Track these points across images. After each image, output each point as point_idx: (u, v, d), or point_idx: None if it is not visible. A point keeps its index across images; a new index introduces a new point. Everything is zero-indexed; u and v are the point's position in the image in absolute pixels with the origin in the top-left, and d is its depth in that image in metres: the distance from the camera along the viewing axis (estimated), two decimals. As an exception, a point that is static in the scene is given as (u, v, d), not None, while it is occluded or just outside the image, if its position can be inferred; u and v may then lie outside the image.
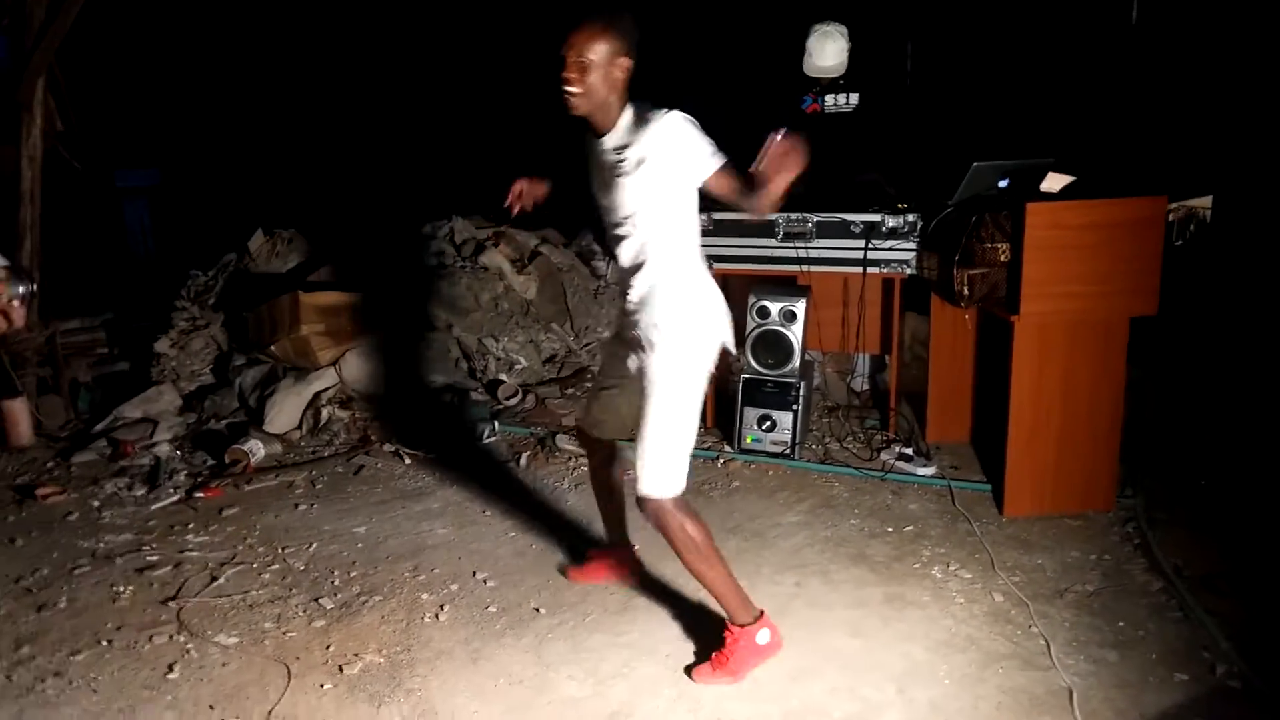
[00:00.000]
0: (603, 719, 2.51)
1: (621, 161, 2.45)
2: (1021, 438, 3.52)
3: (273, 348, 4.98)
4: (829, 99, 4.68)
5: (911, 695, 2.55)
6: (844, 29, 4.51)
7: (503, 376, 5.26)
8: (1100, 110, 5.81)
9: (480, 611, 3.08)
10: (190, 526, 3.78)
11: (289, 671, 2.76)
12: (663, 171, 2.42)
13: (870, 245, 4.13)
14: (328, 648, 2.89)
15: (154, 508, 3.96)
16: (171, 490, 4.08)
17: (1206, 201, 4.28)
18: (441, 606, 3.11)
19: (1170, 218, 4.20)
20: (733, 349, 2.66)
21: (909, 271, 4.15)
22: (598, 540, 3.43)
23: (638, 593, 3.14)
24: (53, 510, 3.97)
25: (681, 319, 2.53)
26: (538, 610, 3.07)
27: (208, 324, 5.39)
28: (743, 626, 2.61)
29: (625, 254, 2.58)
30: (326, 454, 4.52)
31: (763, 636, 2.63)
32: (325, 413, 4.71)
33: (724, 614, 2.65)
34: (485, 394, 5.11)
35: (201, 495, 4.03)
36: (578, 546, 3.48)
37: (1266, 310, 4.79)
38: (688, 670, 2.65)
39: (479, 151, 8.41)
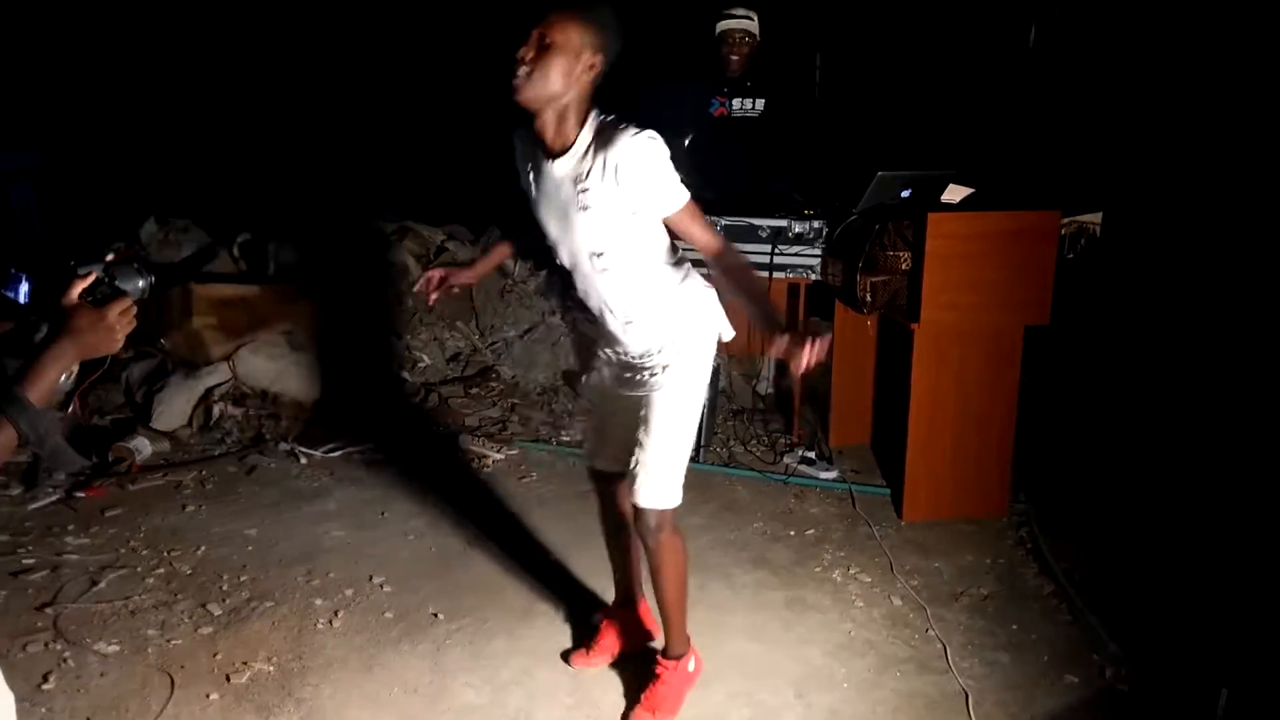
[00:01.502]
0: (501, 727, 2.47)
1: (582, 193, 2.10)
2: (919, 443, 3.59)
3: (163, 341, 4.77)
4: (736, 103, 4.71)
5: (810, 700, 2.58)
6: (754, 13, 4.56)
7: (405, 374, 5.15)
8: (999, 126, 6.00)
9: (376, 618, 3.00)
10: (70, 528, 3.58)
11: (173, 681, 2.64)
12: (632, 208, 2.11)
13: (777, 250, 4.17)
14: (215, 656, 2.78)
15: (31, 508, 3.74)
16: (50, 489, 3.86)
17: (1097, 217, 4.46)
18: (335, 613, 3.02)
19: (1062, 232, 4.36)
20: (729, 335, 2.41)
21: (814, 277, 4.20)
22: (504, 546, 3.38)
23: (539, 598, 3.10)
24: (-84, 511, 3.73)
25: (682, 333, 2.31)
26: (436, 616, 3.00)
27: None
28: (676, 660, 2.50)
29: (598, 288, 2.27)
30: (218, 453, 4.35)
31: (691, 664, 2.54)
32: (217, 409, 4.53)
33: (657, 644, 2.57)
34: (387, 395, 4.99)
35: (83, 495, 3.82)
36: (486, 551, 3.42)
37: (1152, 321, 5.02)
38: (624, 717, 2.51)
39: (388, 145, 8.25)
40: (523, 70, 2.02)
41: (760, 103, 4.67)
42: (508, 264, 5.95)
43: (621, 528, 2.65)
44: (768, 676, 2.66)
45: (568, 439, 4.51)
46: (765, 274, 4.19)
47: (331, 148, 8.05)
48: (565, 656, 2.78)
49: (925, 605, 3.02)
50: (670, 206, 2.12)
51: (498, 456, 4.27)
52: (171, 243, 5.58)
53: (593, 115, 2.11)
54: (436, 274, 2.55)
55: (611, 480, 2.59)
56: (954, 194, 3.68)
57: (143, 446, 4.16)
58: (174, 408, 4.48)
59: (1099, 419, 4.57)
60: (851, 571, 3.27)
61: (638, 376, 2.35)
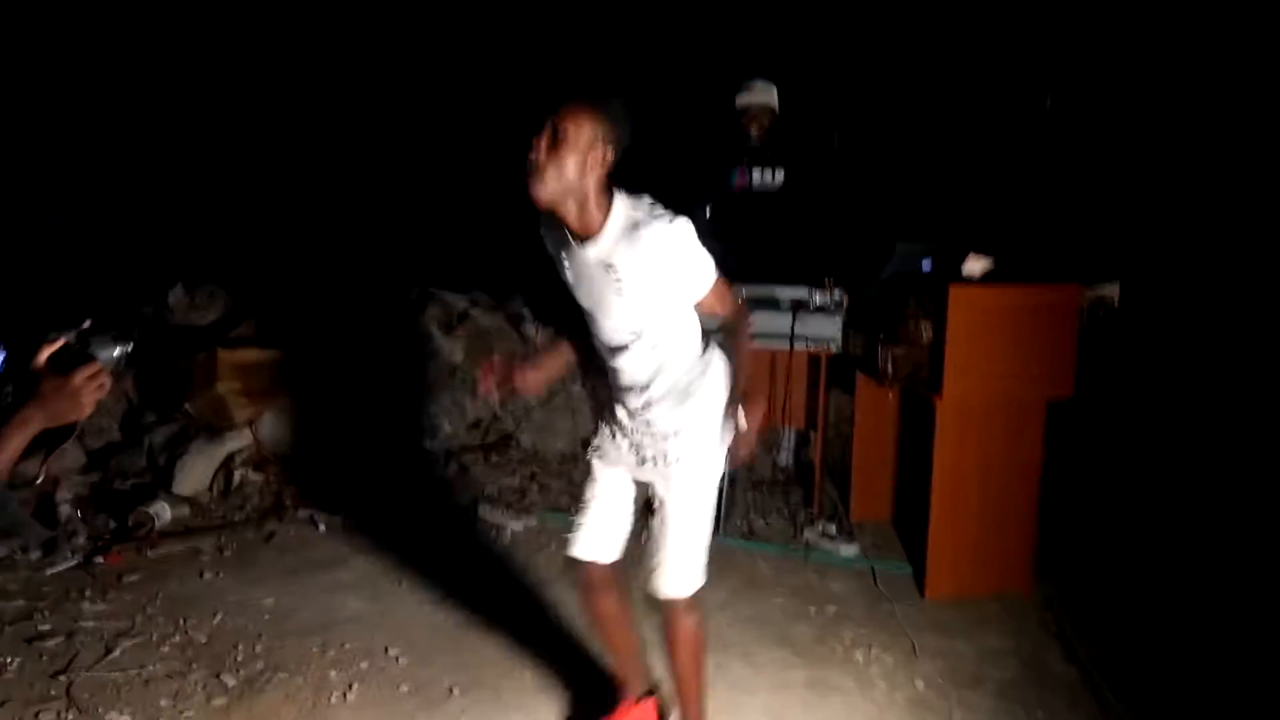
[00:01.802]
0: (515, 810, 2.42)
1: (616, 281, 2.12)
2: (942, 519, 3.55)
3: (187, 405, 4.81)
4: (756, 174, 4.76)
5: (832, 785, 2.51)
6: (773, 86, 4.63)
7: (426, 443, 5.16)
8: (1017, 194, 6.04)
9: (391, 691, 2.96)
10: (87, 594, 3.58)
11: (183, 755, 2.62)
12: (667, 283, 2.13)
13: (798, 321, 4.17)
14: (227, 729, 2.75)
15: (49, 573, 3.75)
16: (69, 554, 3.87)
17: (1115, 289, 4.45)
18: (350, 685, 2.99)
19: (1081, 304, 4.36)
20: (744, 424, 2.38)
21: (835, 349, 4.20)
22: (524, 623, 3.34)
23: (556, 674, 3.05)
24: (-63, 573, 3.74)
25: (703, 417, 2.32)
26: (451, 691, 2.96)
27: (119, 378, 5.18)
28: None
29: (631, 365, 2.27)
30: (237, 518, 4.35)
31: None
32: (238, 475, 4.55)
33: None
34: (408, 461, 5.00)
35: (101, 560, 3.83)
36: (503, 625, 3.39)
37: (1173, 392, 4.97)
38: None
39: (411, 213, 8.38)
40: (535, 166, 2.03)
41: (780, 173, 4.72)
42: (528, 330, 6.00)
43: (612, 623, 2.58)
44: (789, 760, 2.60)
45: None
46: (786, 345, 4.18)
47: (356, 216, 8.19)
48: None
49: (949, 689, 2.95)
50: (701, 288, 2.18)
51: (516, 527, 4.25)
52: (198, 307, 5.66)
53: (618, 198, 2.11)
54: (499, 366, 2.41)
55: (592, 576, 2.50)
56: (974, 264, 3.68)
57: (163, 512, 4.17)
58: (195, 472, 4.50)
59: (1124, 494, 4.50)
60: (874, 651, 3.20)
61: (654, 457, 2.34)
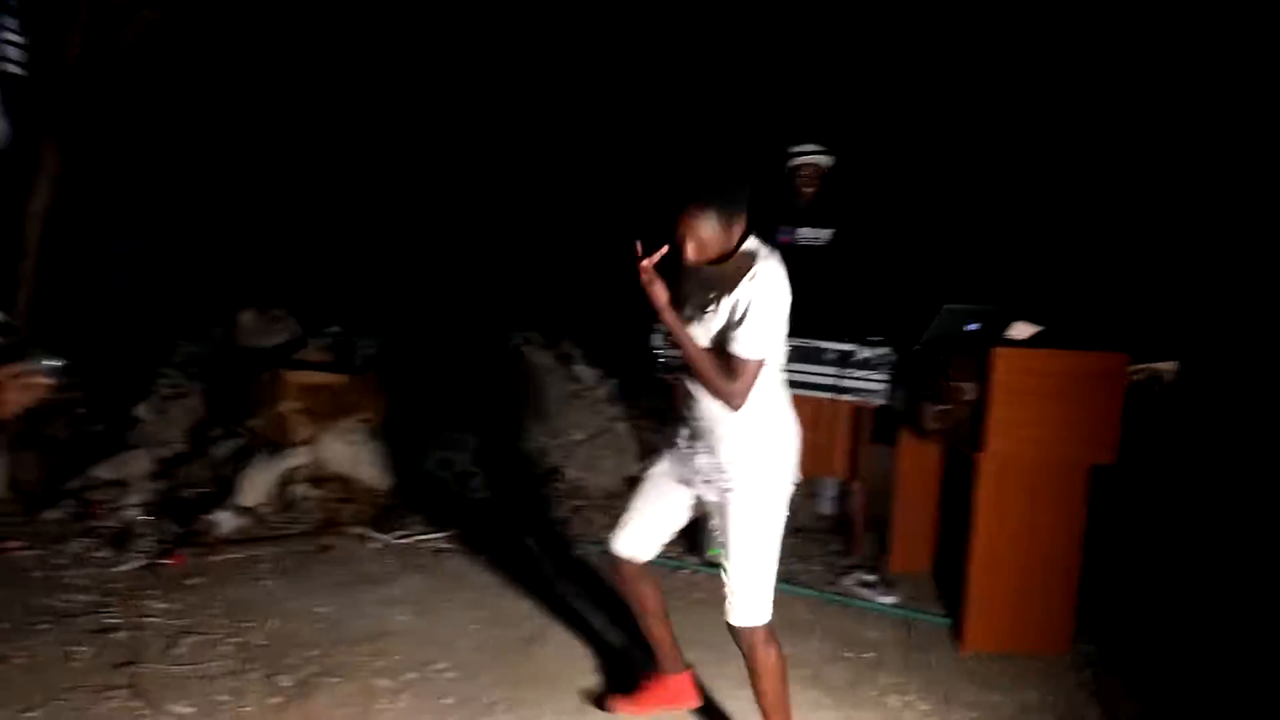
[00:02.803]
0: (555, 820, 2.52)
1: (714, 298, 2.48)
2: (982, 574, 3.61)
3: (251, 422, 5.02)
4: (804, 232, 4.89)
5: (861, 824, 2.58)
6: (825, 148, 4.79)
7: (475, 470, 5.30)
8: (1071, 266, 6.11)
9: (436, 702, 3.08)
10: (153, 592, 3.76)
11: (241, 747, 2.75)
12: (738, 322, 2.43)
13: (843, 374, 4.28)
14: (281, 726, 2.88)
15: (117, 570, 3.94)
16: (137, 555, 4.06)
17: (1170, 365, 4.51)
18: (398, 694, 3.11)
19: (1135, 378, 4.42)
20: (796, 476, 2.62)
21: (879, 402, 4.29)
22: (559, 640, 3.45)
23: (594, 694, 3.14)
24: (15, 564, 3.94)
25: (767, 451, 2.53)
26: (494, 705, 3.07)
27: (189, 393, 5.42)
28: None
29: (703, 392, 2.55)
30: (294, 531, 4.52)
31: None
32: (297, 490, 4.73)
33: None
34: (458, 488, 5.16)
35: (167, 562, 4.01)
36: (546, 646, 3.50)
37: (1224, 467, 4.99)
38: None
39: (476, 249, 8.64)
40: (688, 259, 2.46)
41: (828, 232, 4.85)
42: (578, 370, 6.15)
43: (649, 610, 2.90)
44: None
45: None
46: (830, 395, 4.27)
47: (420, 253, 8.46)
48: (600, 702, 3.04)
49: (982, 738, 3.00)
50: (746, 349, 2.41)
51: (560, 555, 4.37)
52: (266, 330, 5.89)
53: (751, 240, 2.50)
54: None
55: (628, 570, 2.84)
56: (1021, 330, 3.78)
57: (225, 520, 4.36)
58: (257, 485, 4.69)
59: (1167, 561, 4.51)
60: (908, 698, 3.26)
61: (717, 484, 2.55)
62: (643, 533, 2.79)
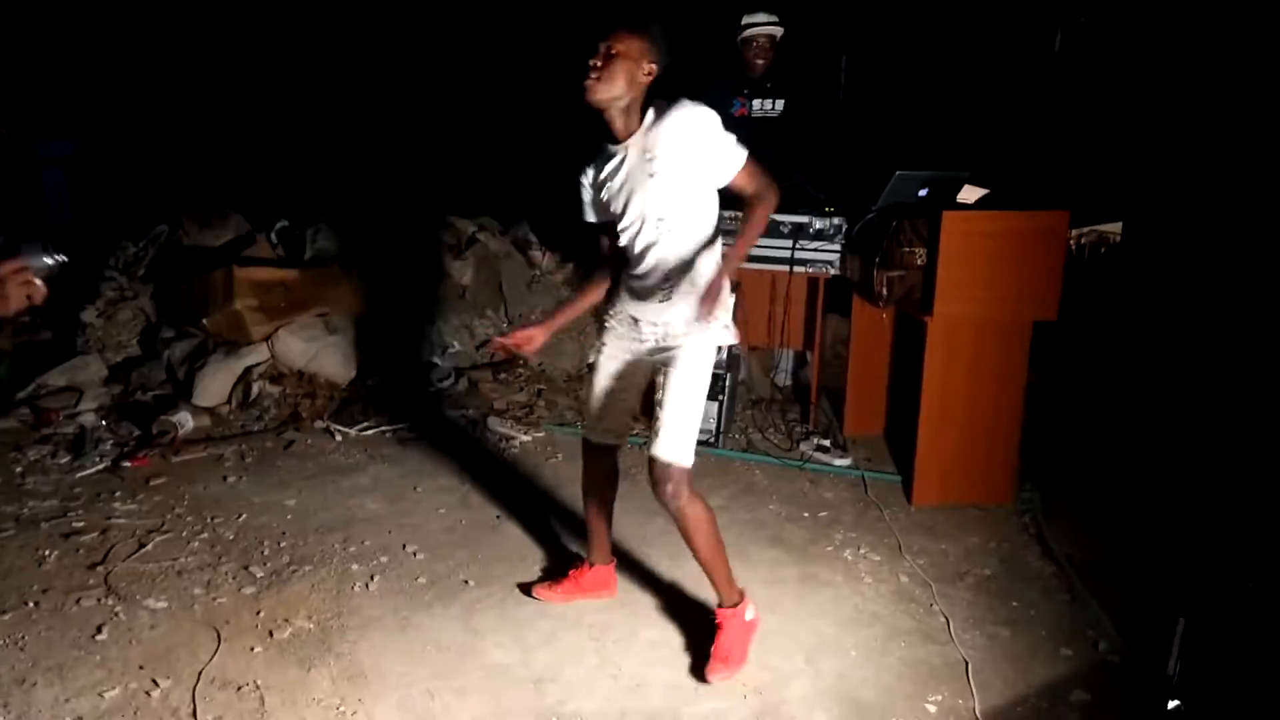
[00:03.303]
0: (527, 684, 2.63)
1: (649, 161, 2.47)
2: (930, 432, 3.73)
3: (204, 321, 4.96)
4: (756, 104, 4.85)
5: (820, 666, 2.72)
6: (775, 17, 4.72)
7: (436, 359, 5.32)
8: (1020, 130, 6.11)
9: (410, 582, 3.17)
10: (117, 495, 3.78)
11: (219, 635, 2.82)
12: (694, 163, 2.46)
13: (797, 246, 4.31)
14: (258, 613, 2.95)
15: (79, 475, 3.95)
16: (97, 459, 4.07)
17: (1116, 227, 4.58)
18: (371, 577, 3.19)
19: (1082, 240, 4.49)
20: (735, 339, 2.69)
21: (833, 272, 4.34)
22: (523, 526, 3.54)
23: (566, 568, 3.24)
24: (-27, 475, 3.93)
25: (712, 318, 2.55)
26: (466, 582, 3.17)
27: (136, 295, 5.34)
28: (732, 608, 2.69)
29: (657, 255, 2.55)
30: (256, 429, 4.54)
31: (749, 613, 2.73)
32: (256, 388, 4.72)
33: (713, 597, 2.72)
34: (420, 378, 5.17)
35: (128, 465, 4.02)
36: (514, 525, 3.59)
37: (1161, 326, 5.13)
38: (700, 675, 2.63)
39: (421, 138, 8.43)
40: (593, 75, 2.43)
41: (780, 103, 4.81)
42: (535, 255, 6.13)
43: (600, 495, 2.98)
44: (781, 645, 2.81)
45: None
46: (786, 268, 4.33)
47: (366, 140, 8.25)
48: (526, 589, 3.10)
49: (931, 583, 3.16)
50: (731, 166, 2.48)
51: (524, 438, 4.44)
52: (212, 228, 5.77)
53: (652, 107, 2.50)
54: (509, 341, 2.72)
55: (601, 452, 2.91)
56: (969, 194, 3.81)
57: (185, 420, 4.36)
58: (215, 385, 4.67)
59: (1106, 414, 4.69)
60: (862, 551, 3.41)
61: (657, 348, 2.64)
62: (613, 418, 2.83)
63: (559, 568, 3.25)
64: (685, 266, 2.56)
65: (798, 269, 4.36)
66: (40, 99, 7.71)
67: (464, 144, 8.30)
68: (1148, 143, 5.73)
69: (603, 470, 2.95)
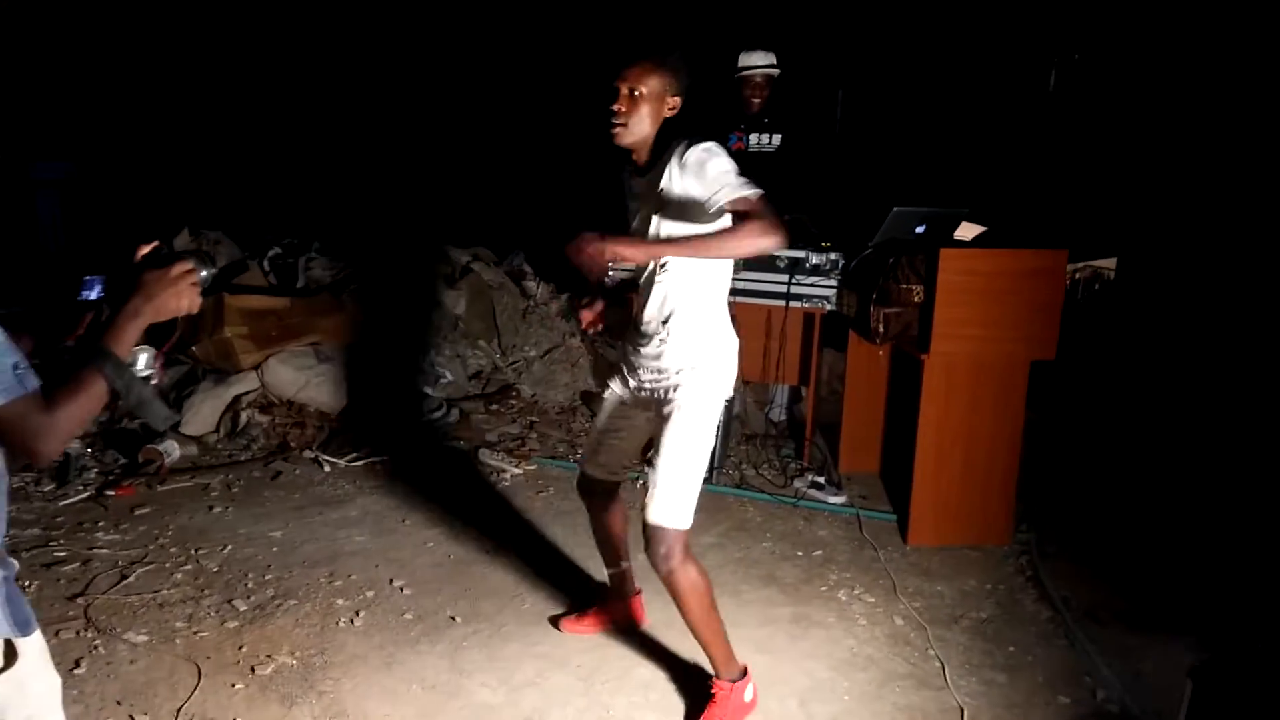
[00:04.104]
0: (514, 725, 2.57)
1: (660, 193, 2.38)
2: (927, 471, 3.69)
3: (193, 349, 4.92)
4: (753, 139, 4.86)
5: (813, 710, 2.66)
6: (772, 54, 4.73)
7: (427, 390, 5.28)
8: (1016, 167, 6.14)
9: (396, 618, 3.11)
10: (100, 524, 3.72)
11: (199, 670, 2.75)
12: (694, 191, 2.31)
13: (794, 280, 4.29)
14: (240, 648, 2.89)
15: (62, 504, 3.89)
16: (81, 487, 4.01)
17: (1110, 263, 4.58)
18: (357, 612, 3.13)
19: (1076, 276, 4.48)
20: (738, 388, 2.62)
21: (829, 307, 4.32)
22: (514, 558, 3.49)
23: (554, 606, 3.20)
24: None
25: (711, 360, 2.47)
26: (453, 619, 3.11)
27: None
28: (732, 682, 2.56)
29: (655, 298, 2.48)
30: (244, 458, 4.48)
31: (748, 694, 2.60)
32: (244, 416, 4.67)
33: (709, 668, 2.59)
34: (410, 409, 5.13)
35: (113, 493, 3.96)
36: (503, 560, 3.54)
37: (1157, 362, 5.12)
38: None
39: (420, 165, 8.44)
40: (618, 121, 2.38)
41: (777, 138, 4.82)
42: (529, 285, 6.11)
43: (609, 535, 2.92)
44: (774, 687, 2.75)
45: (583, 457, 4.63)
46: (782, 303, 4.30)
47: (361, 168, 8.25)
48: (554, 621, 3.07)
49: (926, 626, 3.10)
50: (728, 192, 2.24)
51: (515, 471, 4.40)
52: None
53: (674, 142, 2.40)
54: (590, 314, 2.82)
55: (597, 487, 2.84)
56: (967, 231, 3.81)
57: (172, 449, 4.30)
58: (203, 413, 4.62)
59: (1103, 455, 4.66)
60: (856, 592, 3.36)
61: (658, 393, 2.50)
62: (610, 452, 2.75)
63: (550, 604, 3.20)
64: (682, 310, 2.45)
65: (793, 304, 4.33)
66: (34, 121, 7.71)
67: (459, 174, 8.31)
68: (1142, 178, 5.76)
69: (602, 514, 2.86)
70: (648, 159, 2.45)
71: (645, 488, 2.46)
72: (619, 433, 2.72)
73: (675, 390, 2.46)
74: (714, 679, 2.57)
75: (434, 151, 8.48)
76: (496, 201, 7.78)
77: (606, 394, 2.74)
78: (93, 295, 1.60)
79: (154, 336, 1.55)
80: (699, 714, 2.56)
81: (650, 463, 2.48)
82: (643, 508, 2.45)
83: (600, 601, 3.09)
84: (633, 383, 2.60)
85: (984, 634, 3.08)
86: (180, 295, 1.48)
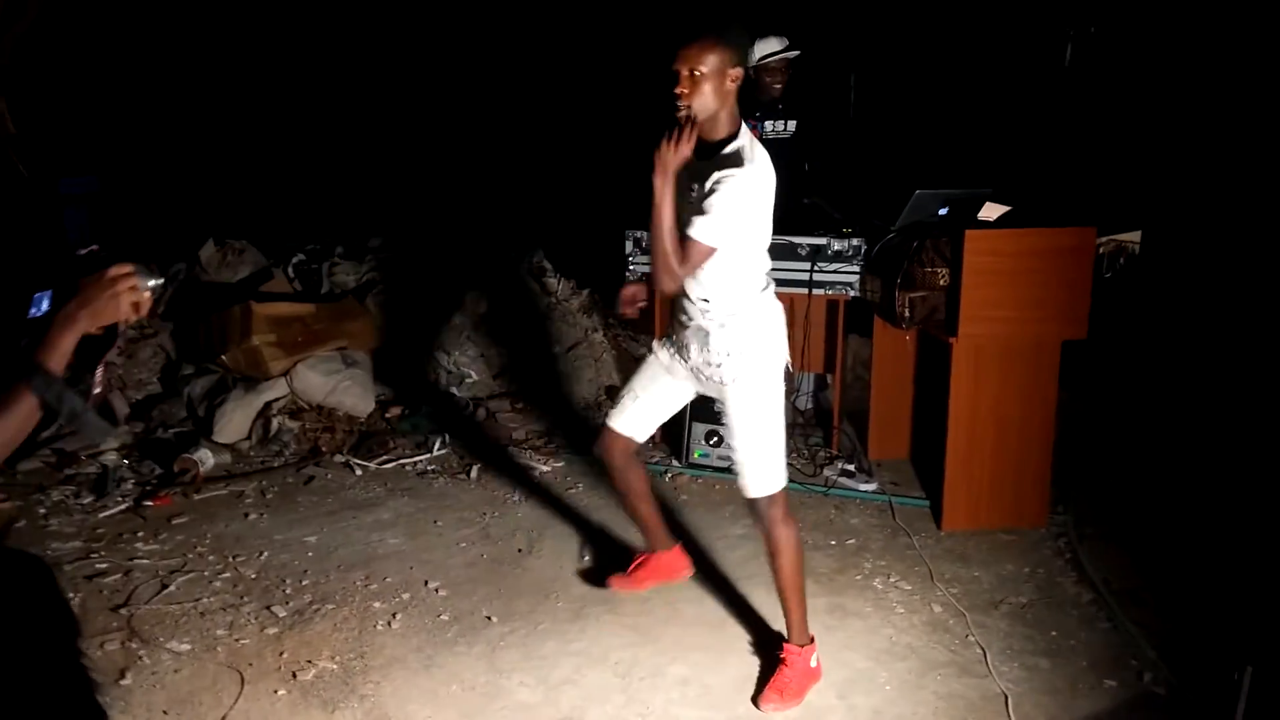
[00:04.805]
0: (554, 723, 2.58)
1: (691, 189, 2.47)
2: (958, 456, 3.66)
3: (223, 357, 4.96)
4: (768, 125, 4.82)
5: (853, 701, 2.66)
6: (787, 40, 4.69)
7: (454, 390, 5.30)
8: (1036, 143, 6.06)
9: (432, 620, 3.12)
10: (139, 535, 3.76)
11: (242, 678, 2.78)
12: (702, 206, 2.43)
13: (816, 268, 4.27)
14: (281, 654, 2.91)
15: (102, 516, 3.93)
16: (119, 499, 4.05)
17: (1135, 236, 4.52)
18: (394, 615, 3.15)
19: (1100, 250, 4.42)
20: (791, 366, 2.70)
21: (853, 294, 4.29)
22: (552, 550, 3.49)
23: (588, 603, 3.21)
24: (-4, 518, 3.93)
25: (755, 338, 2.59)
26: (489, 619, 3.12)
27: (156, 333, 5.34)
28: (801, 647, 2.67)
29: (695, 279, 2.56)
30: (276, 464, 4.52)
31: (814, 660, 2.69)
32: (275, 423, 4.70)
33: (783, 631, 2.73)
34: (438, 409, 5.16)
35: (150, 504, 4.00)
36: (536, 557, 3.55)
37: (1189, 337, 5.05)
38: (754, 700, 2.64)
39: (437, 166, 8.46)
40: (682, 104, 2.40)
41: (792, 124, 4.78)
42: (550, 283, 6.10)
43: (632, 489, 3.00)
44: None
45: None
46: (805, 290, 4.28)
47: (380, 172, 8.29)
48: (603, 582, 3.19)
49: (965, 612, 3.08)
50: (696, 230, 2.41)
51: (544, 468, 4.40)
52: (229, 263, 5.79)
53: (744, 126, 2.49)
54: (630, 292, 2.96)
55: (615, 444, 2.91)
56: (991, 212, 3.76)
57: (206, 458, 4.34)
58: (234, 421, 4.66)
59: (1138, 432, 4.60)
60: (892, 579, 3.34)
61: (711, 376, 2.63)
62: (639, 414, 2.88)
63: (584, 601, 3.21)
64: (722, 290, 2.55)
65: (816, 291, 4.31)
66: (61, 135, 7.79)
67: (477, 174, 8.32)
68: (1164, 149, 5.67)
69: (621, 454, 2.94)
70: (717, 137, 2.47)
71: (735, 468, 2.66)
72: (652, 395, 2.84)
73: (728, 373, 2.59)
74: (785, 643, 2.68)
75: (452, 152, 8.50)
76: (515, 200, 7.78)
77: (650, 360, 2.85)
78: (41, 311, 1.57)
79: (95, 346, 1.51)
80: (768, 678, 2.65)
81: (729, 442, 2.66)
82: (741, 490, 2.64)
83: (643, 556, 3.18)
84: (681, 357, 2.72)
85: (1024, 619, 3.06)
86: (118, 300, 1.45)
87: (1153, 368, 5.11)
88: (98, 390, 1.57)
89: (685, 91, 2.39)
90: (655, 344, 2.87)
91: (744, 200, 2.42)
